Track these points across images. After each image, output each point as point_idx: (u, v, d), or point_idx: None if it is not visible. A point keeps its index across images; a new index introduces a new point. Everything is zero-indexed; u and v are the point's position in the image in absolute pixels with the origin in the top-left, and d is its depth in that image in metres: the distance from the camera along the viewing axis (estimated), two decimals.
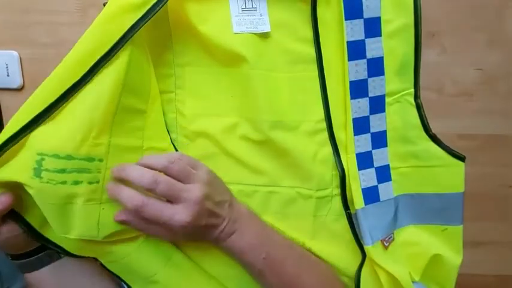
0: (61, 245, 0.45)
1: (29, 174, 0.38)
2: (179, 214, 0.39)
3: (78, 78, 0.38)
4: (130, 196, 0.39)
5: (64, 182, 0.38)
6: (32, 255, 0.46)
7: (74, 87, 0.38)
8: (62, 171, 0.38)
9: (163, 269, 0.46)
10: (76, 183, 0.39)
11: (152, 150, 0.45)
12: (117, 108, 0.41)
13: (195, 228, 0.41)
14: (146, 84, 0.45)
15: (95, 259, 0.47)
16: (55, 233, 0.43)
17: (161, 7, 0.40)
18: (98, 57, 0.38)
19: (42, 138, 0.38)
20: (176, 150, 0.49)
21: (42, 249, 0.46)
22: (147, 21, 0.40)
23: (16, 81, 0.52)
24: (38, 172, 0.38)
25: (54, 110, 0.39)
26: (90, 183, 0.40)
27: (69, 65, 0.39)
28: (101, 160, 0.40)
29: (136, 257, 0.46)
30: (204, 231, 0.43)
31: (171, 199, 0.40)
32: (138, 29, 0.39)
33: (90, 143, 0.39)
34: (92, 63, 0.38)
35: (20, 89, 0.53)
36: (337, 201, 0.49)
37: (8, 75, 0.51)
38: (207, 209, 0.41)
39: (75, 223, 0.40)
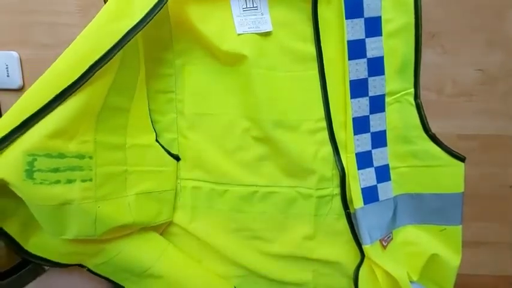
0: (44, 256, 0.44)
1: (20, 176, 0.36)
2: None
3: (74, 79, 0.37)
4: None
5: (58, 182, 0.38)
6: (13, 272, 0.45)
7: (69, 88, 0.37)
8: (56, 170, 0.38)
9: (158, 262, 0.46)
10: (70, 181, 0.39)
11: (135, 147, 0.46)
12: (102, 107, 0.41)
13: None
14: (132, 83, 0.45)
15: (81, 266, 0.46)
16: (36, 245, 0.42)
17: (159, 11, 0.39)
18: (95, 59, 0.37)
19: (30, 137, 0.37)
20: (163, 147, 0.49)
21: (23, 266, 0.45)
22: (145, 25, 0.38)
23: (16, 81, 0.52)
24: (29, 173, 0.36)
25: (48, 112, 0.37)
26: (83, 181, 0.40)
27: (66, 65, 0.38)
28: (90, 157, 0.40)
29: (129, 252, 0.46)
30: None
31: None
32: (137, 33, 0.38)
33: (78, 140, 0.39)
34: (88, 65, 0.37)
35: (20, 90, 0.53)
36: (338, 201, 0.49)
37: (8, 76, 0.51)
38: None
39: (71, 223, 0.40)
